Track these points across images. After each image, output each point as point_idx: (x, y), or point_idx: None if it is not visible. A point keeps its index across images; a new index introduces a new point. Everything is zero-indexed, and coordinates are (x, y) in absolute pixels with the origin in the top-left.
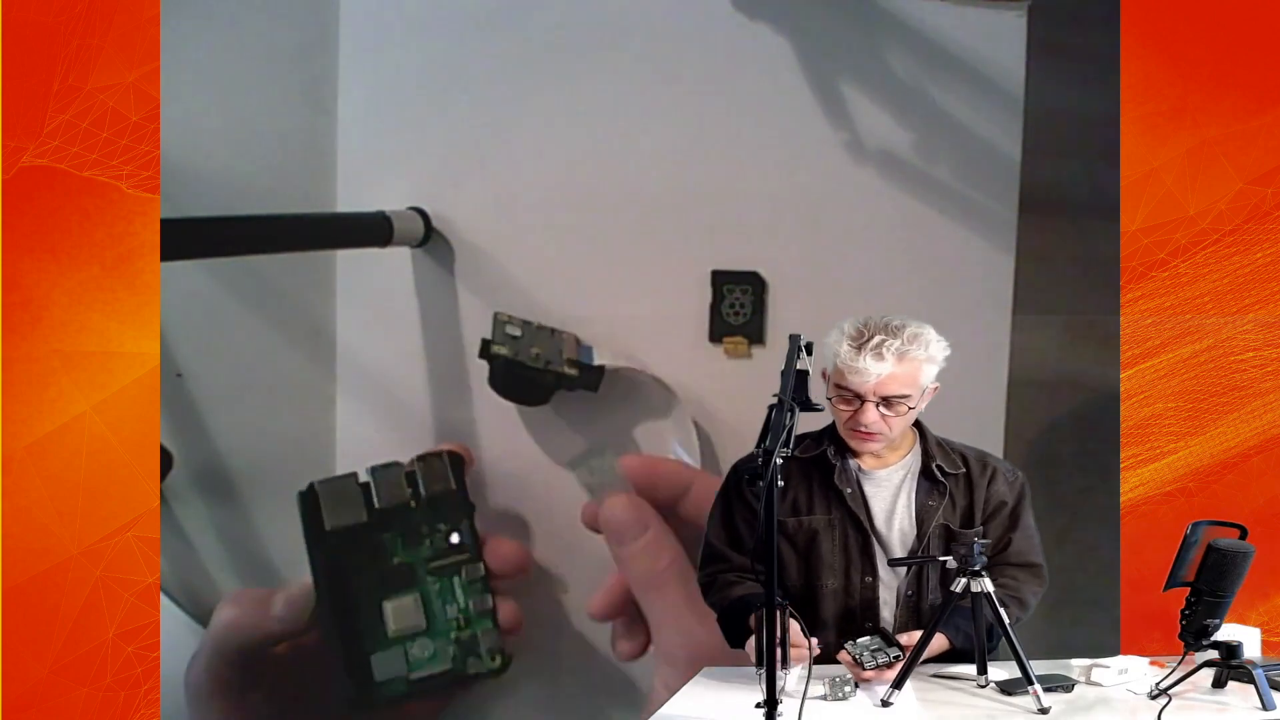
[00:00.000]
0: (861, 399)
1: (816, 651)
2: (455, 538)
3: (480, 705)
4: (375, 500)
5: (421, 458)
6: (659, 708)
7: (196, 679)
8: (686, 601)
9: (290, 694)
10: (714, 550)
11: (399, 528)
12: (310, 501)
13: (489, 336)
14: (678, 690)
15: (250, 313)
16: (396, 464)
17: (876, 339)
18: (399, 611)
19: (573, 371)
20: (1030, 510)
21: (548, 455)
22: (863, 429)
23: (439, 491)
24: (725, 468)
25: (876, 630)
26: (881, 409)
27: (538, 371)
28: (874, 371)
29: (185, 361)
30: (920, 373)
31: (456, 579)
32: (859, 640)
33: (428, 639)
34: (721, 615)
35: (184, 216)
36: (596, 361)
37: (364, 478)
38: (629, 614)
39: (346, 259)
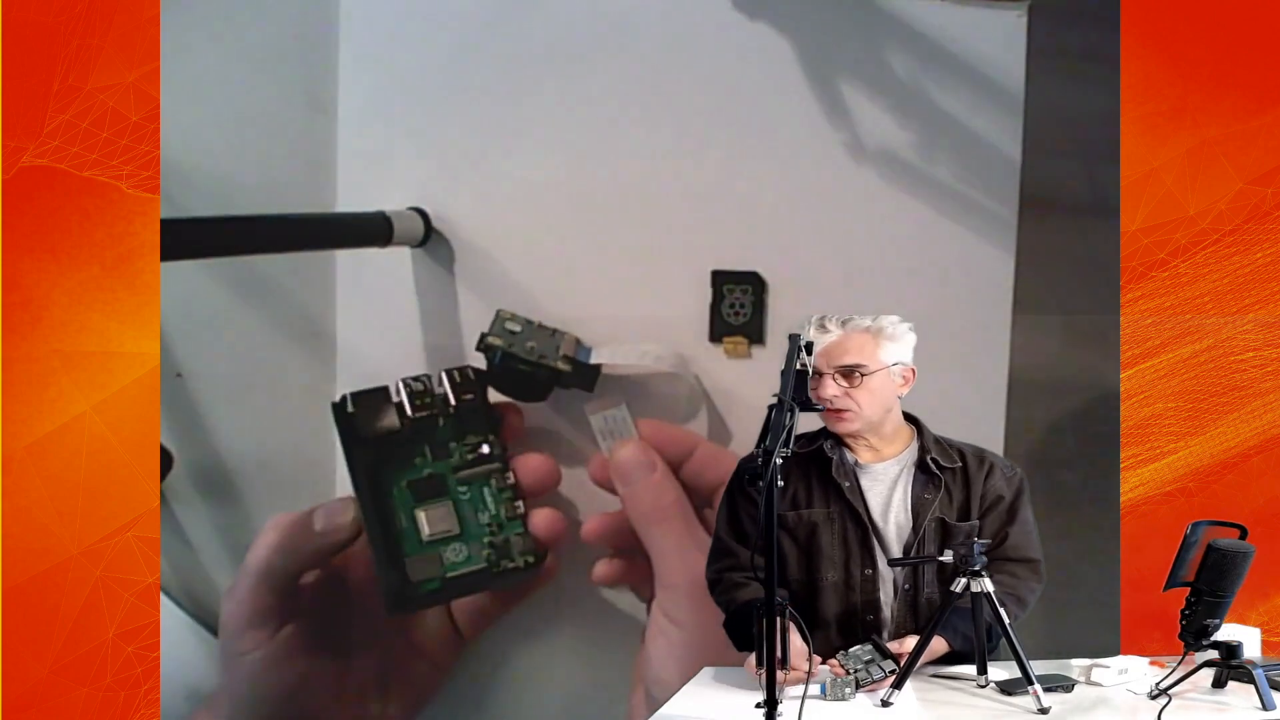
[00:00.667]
0: (820, 374)
1: (816, 671)
2: (485, 448)
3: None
4: (408, 410)
5: (448, 371)
6: (655, 633)
7: (234, 610)
8: (689, 532)
9: (322, 626)
10: (722, 545)
11: (428, 438)
12: (344, 411)
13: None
14: (678, 617)
15: (250, 313)
16: (426, 376)
17: (822, 314)
18: (432, 518)
19: (566, 367)
20: (1029, 506)
21: (551, 449)
22: (828, 405)
23: (467, 403)
24: None
25: (869, 639)
26: (840, 381)
27: (532, 365)
28: (819, 341)
29: (185, 361)
30: (872, 345)
31: (486, 488)
32: (851, 651)
33: (461, 544)
34: (728, 618)
35: (184, 216)
36: (594, 361)
37: (395, 396)
38: (617, 546)
39: (346, 259)
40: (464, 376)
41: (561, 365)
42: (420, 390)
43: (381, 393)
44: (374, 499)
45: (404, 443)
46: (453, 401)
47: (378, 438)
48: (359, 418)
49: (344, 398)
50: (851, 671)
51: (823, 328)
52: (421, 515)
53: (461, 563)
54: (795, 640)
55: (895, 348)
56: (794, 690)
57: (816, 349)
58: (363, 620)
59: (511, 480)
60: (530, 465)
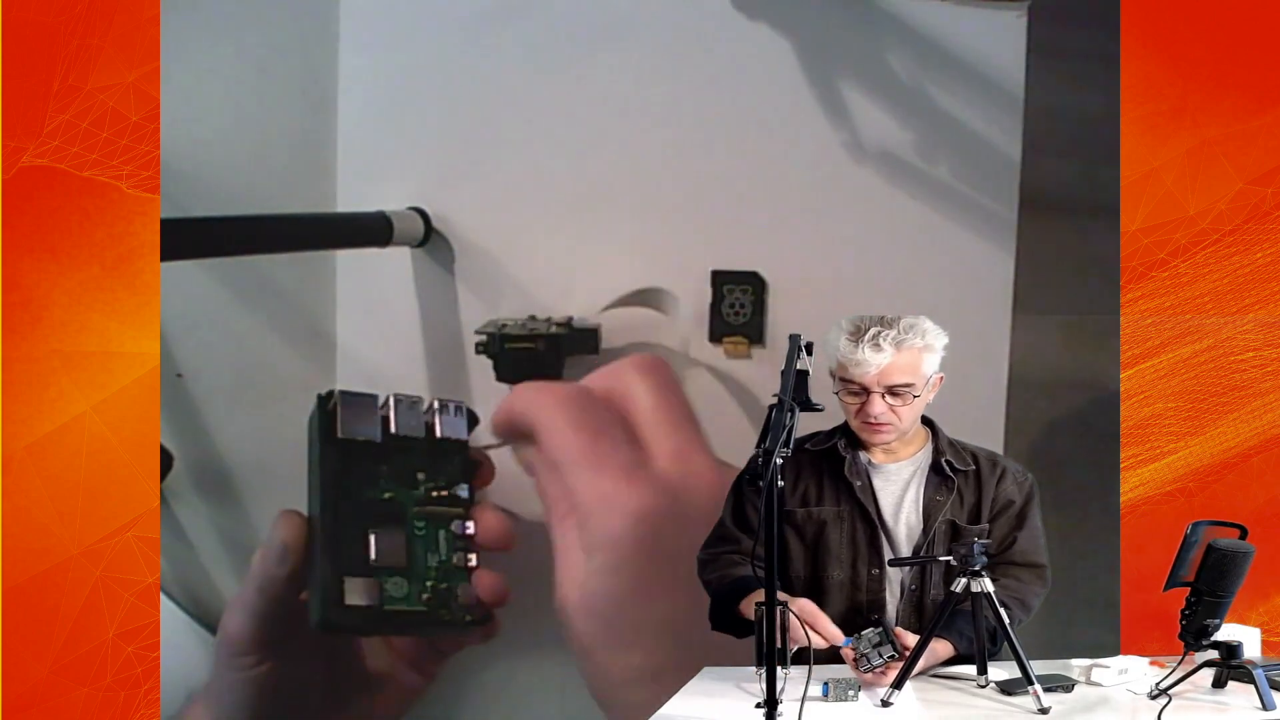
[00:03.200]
0: (867, 391)
1: (823, 645)
2: (447, 491)
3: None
4: (392, 426)
5: (443, 401)
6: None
7: (231, 633)
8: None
9: (310, 650)
10: (725, 532)
11: (402, 462)
12: (328, 406)
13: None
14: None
15: (250, 313)
16: (419, 399)
17: (872, 330)
18: (382, 545)
19: (562, 330)
20: (1038, 512)
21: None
22: (872, 420)
23: (450, 440)
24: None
25: (880, 623)
26: (888, 399)
27: (529, 339)
28: (874, 362)
29: (185, 361)
30: (921, 361)
31: (443, 531)
32: (863, 634)
33: (403, 579)
34: (718, 593)
35: (184, 216)
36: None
37: (382, 408)
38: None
39: (346, 259)
40: (456, 411)
41: (557, 329)
42: (410, 411)
43: (371, 400)
44: (327, 504)
45: (375, 458)
46: (439, 433)
47: (353, 443)
48: (343, 417)
49: (331, 393)
50: (859, 657)
51: (877, 347)
52: (372, 538)
53: (400, 599)
54: (795, 629)
55: (934, 359)
56: (794, 690)
57: (869, 370)
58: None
59: (470, 531)
60: (486, 521)
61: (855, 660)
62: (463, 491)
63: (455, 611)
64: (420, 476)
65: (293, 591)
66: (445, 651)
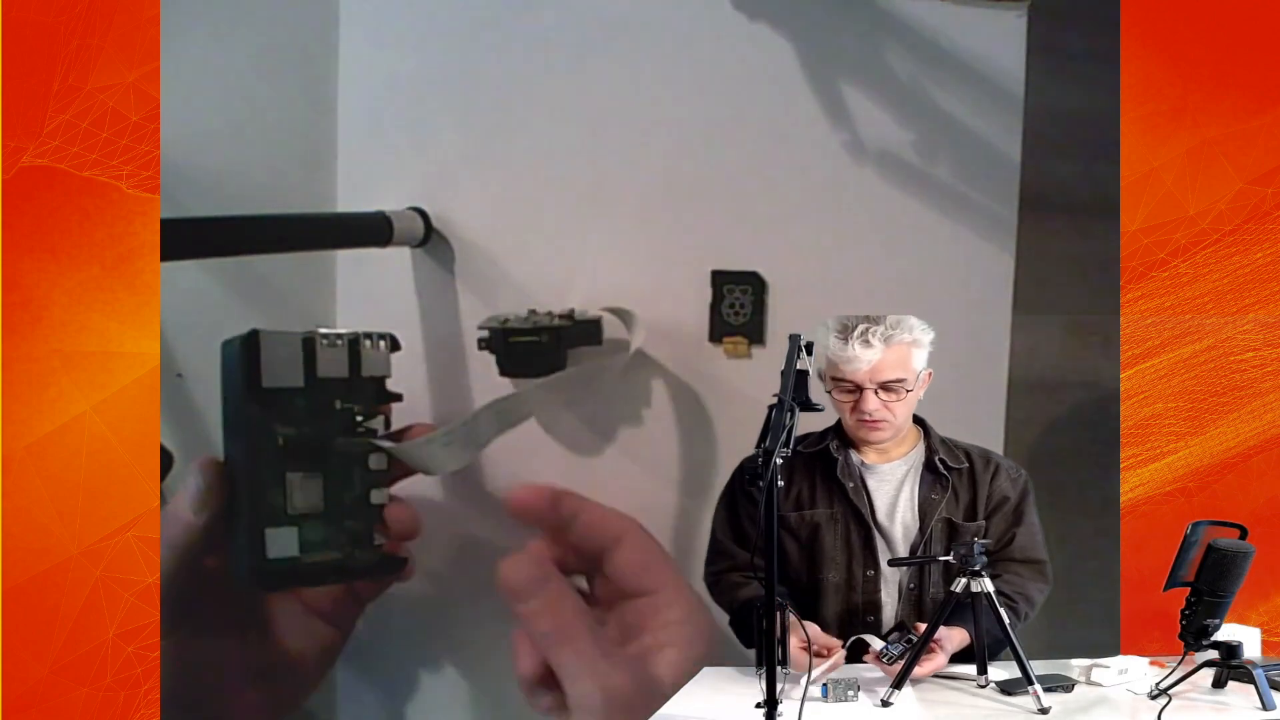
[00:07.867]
0: (860, 388)
1: (839, 663)
2: (370, 425)
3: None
4: (316, 368)
5: (368, 335)
6: None
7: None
8: (596, 649)
9: (215, 618)
10: (720, 547)
11: (324, 401)
12: (251, 350)
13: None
14: None
15: (250, 313)
16: (342, 335)
17: (860, 327)
18: (300, 488)
19: (565, 323)
20: (1034, 508)
21: (550, 451)
22: (867, 417)
23: (376, 377)
24: (723, 470)
25: (896, 626)
26: (881, 395)
27: (533, 332)
28: (864, 358)
29: (185, 361)
30: (910, 357)
31: (358, 468)
32: (887, 640)
33: (319, 523)
34: (733, 616)
35: (184, 216)
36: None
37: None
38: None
39: (346, 259)
40: (382, 345)
41: (560, 322)
42: (336, 351)
43: (294, 340)
44: (248, 461)
45: (301, 399)
46: (363, 372)
47: (277, 393)
48: (265, 366)
49: (254, 333)
50: (884, 654)
51: (866, 343)
52: (292, 482)
53: (319, 545)
54: (814, 630)
55: (923, 355)
56: (794, 690)
57: (861, 366)
58: (234, 556)
59: (385, 464)
60: (394, 514)
61: (878, 655)
62: (382, 426)
63: (370, 553)
64: (337, 405)
65: (206, 547)
66: (364, 599)
